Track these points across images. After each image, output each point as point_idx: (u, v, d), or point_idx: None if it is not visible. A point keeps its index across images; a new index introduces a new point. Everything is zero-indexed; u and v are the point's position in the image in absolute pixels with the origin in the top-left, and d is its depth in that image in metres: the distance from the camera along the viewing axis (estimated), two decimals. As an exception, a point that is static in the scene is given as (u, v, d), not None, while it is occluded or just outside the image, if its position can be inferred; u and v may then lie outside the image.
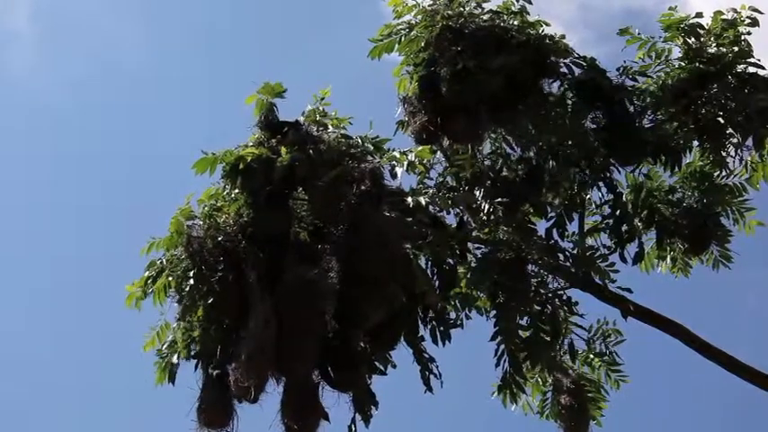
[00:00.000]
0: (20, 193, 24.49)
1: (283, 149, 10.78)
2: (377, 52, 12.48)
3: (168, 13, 26.45)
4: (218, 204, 10.91)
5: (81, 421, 21.37)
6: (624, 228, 12.51)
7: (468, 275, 12.31)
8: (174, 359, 10.82)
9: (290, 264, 10.56)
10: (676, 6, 12.50)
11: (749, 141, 12.37)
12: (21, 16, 25.89)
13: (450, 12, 12.08)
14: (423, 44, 12.12)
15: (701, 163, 12.88)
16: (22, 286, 23.10)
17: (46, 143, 24.83)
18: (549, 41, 12.03)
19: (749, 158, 12.77)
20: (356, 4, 27.20)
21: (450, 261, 12.09)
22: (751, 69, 12.37)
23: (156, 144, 24.80)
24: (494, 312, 12.14)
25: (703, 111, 12.38)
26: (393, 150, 11.18)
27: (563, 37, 12.22)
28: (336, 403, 10.75)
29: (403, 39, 12.33)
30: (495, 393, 12.25)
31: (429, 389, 11.35)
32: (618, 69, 12.43)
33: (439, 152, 12.71)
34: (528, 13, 12.18)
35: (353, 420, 11.04)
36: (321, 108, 11.29)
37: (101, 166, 24.15)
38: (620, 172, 12.59)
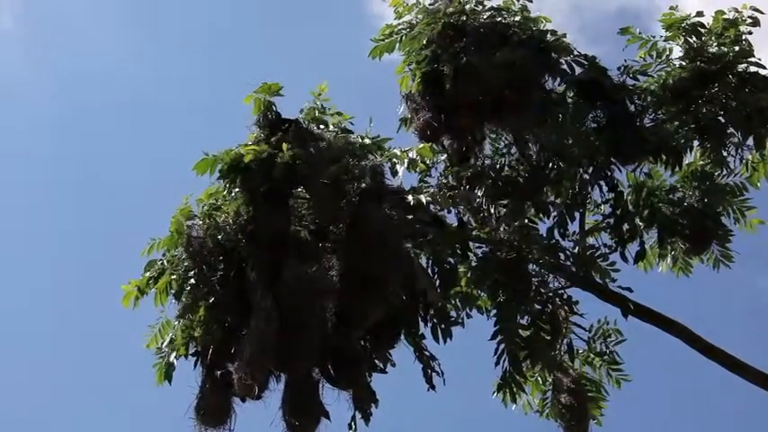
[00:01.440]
0: (9, 193, 24.50)
1: (284, 147, 10.76)
2: (378, 52, 12.51)
3: (161, 11, 26.41)
4: (218, 204, 10.91)
5: (82, 420, 21.37)
6: (625, 227, 12.51)
7: (469, 274, 12.31)
8: (173, 358, 10.82)
9: (291, 262, 10.55)
10: (677, 6, 12.53)
11: (750, 141, 12.39)
12: (7, 15, 25.87)
13: (451, 9, 12.11)
14: (424, 42, 12.14)
15: (701, 162, 12.87)
16: (21, 286, 23.10)
17: (35, 143, 24.81)
18: (552, 36, 12.06)
19: (750, 158, 12.77)
20: (354, 2, 27.18)
21: (451, 260, 12.08)
22: (752, 69, 12.38)
23: (149, 143, 24.79)
24: (494, 312, 12.13)
25: (704, 110, 12.39)
26: (394, 148, 11.18)
27: (564, 36, 12.23)
28: (336, 401, 10.77)
29: (404, 38, 12.35)
30: (496, 392, 12.24)
31: (431, 386, 11.34)
32: (619, 68, 12.45)
33: (440, 151, 12.72)
34: (529, 12, 12.20)
35: (353, 418, 11.03)
36: (319, 104, 11.28)
37: (93, 167, 24.13)
38: (621, 171, 12.60)
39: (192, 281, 10.42)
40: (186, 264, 10.55)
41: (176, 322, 10.83)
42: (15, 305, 22.46)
